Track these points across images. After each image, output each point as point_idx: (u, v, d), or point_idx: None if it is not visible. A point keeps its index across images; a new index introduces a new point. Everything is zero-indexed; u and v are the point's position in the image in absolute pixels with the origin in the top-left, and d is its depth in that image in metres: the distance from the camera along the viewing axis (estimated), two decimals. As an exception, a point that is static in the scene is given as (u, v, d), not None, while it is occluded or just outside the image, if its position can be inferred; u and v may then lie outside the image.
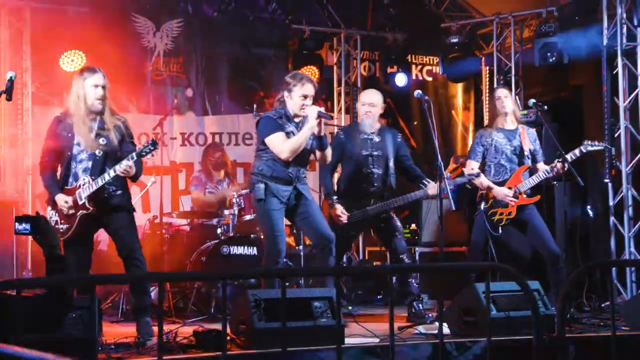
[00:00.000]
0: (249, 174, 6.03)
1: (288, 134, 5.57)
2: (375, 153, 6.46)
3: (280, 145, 5.48)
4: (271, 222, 5.52)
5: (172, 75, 9.46)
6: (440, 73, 10.42)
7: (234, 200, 7.38)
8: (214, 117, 9.73)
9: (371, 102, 6.40)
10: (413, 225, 8.52)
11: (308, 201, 5.69)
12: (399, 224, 6.52)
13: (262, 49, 9.79)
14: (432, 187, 6.23)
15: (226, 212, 7.55)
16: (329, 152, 5.67)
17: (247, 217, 7.52)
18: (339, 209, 6.36)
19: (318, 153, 5.67)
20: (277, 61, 9.85)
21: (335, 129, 6.78)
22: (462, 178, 6.47)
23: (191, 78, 9.52)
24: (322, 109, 5.47)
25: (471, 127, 11.20)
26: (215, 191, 8.16)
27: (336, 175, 6.84)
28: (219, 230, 7.62)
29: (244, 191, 7.45)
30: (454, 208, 6.13)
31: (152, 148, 5.36)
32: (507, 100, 6.72)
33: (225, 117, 9.72)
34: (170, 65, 9.43)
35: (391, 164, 6.51)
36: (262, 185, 5.50)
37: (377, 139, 6.45)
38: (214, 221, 7.83)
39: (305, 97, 5.57)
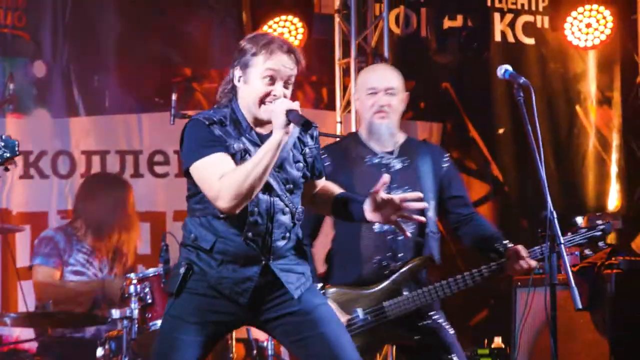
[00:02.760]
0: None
1: (236, 156, 3.90)
2: (398, 192, 4.65)
3: (216, 181, 3.82)
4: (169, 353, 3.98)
5: (4, 34, 7.51)
6: (552, 30, 8.33)
7: (130, 289, 5.57)
8: (90, 120, 7.71)
9: (388, 87, 4.85)
10: (498, 340, 6.76)
11: (309, 303, 4.01)
12: (451, 336, 4.82)
13: (189, -16, 7.99)
14: (515, 255, 4.64)
15: (114, 313, 5.72)
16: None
17: (159, 322, 5.39)
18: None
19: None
20: (219, 8, 8.00)
21: None
22: (574, 236, 4.81)
23: (43, 40, 7.57)
24: (296, 106, 3.84)
25: (616, 141, 9.01)
26: (88, 274, 6.73)
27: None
28: (99, 352, 5.88)
29: (150, 271, 5.64)
30: (579, 306, 4.02)
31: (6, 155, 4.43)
32: None
33: (112, 119, 7.74)
34: (0, 14, 7.49)
35: (431, 213, 4.89)
36: (182, 269, 3.98)
37: (398, 164, 4.89)
38: (88, 332, 6.52)
39: (274, 78, 3.90)
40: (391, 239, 4.91)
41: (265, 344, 5.65)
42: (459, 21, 7.99)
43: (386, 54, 7.40)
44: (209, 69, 7.91)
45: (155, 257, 6.49)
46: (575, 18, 7.93)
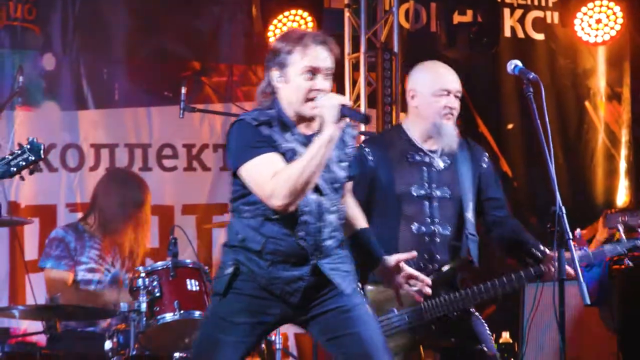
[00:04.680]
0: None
1: (286, 156, 3.91)
2: (438, 193, 4.76)
3: (269, 180, 3.83)
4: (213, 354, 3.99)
5: (14, 27, 7.49)
6: (562, 25, 8.19)
7: (138, 282, 5.55)
8: (99, 113, 7.67)
9: (458, 90, 4.73)
10: (506, 335, 6.91)
11: (348, 301, 4.02)
12: (481, 324, 4.80)
13: (198, -24, 7.82)
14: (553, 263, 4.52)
15: (123, 306, 5.64)
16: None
17: (167, 316, 5.55)
18: None
19: None
20: (228, 2, 7.94)
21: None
22: (615, 245, 4.82)
23: (53, 33, 7.53)
24: (347, 101, 3.97)
25: (625, 137, 8.79)
26: (102, 269, 6.54)
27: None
28: (107, 345, 5.74)
29: (159, 264, 5.62)
30: (587, 302, 4.09)
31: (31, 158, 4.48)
32: None
33: (121, 112, 7.71)
34: (10, 6, 7.46)
35: (470, 215, 4.79)
36: (230, 269, 3.94)
37: (441, 164, 4.77)
38: (99, 327, 6.37)
39: (313, 72, 3.88)
40: (429, 240, 4.88)
41: (273, 338, 5.57)
42: (468, 16, 7.95)
43: (396, 48, 7.35)
44: (218, 63, 7.91)
45: (163, 250, 6.43)
46: (585, 14, 7.84)
